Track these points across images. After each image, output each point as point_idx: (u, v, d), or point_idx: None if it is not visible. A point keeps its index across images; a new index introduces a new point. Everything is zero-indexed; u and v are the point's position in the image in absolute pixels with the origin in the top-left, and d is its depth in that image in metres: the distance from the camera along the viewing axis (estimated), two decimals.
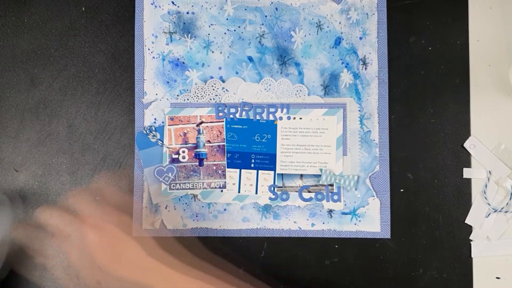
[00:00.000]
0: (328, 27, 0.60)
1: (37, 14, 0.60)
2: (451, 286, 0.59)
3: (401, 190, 0.59)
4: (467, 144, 0.60)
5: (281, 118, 0.60)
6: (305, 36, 0.60)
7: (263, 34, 0.60)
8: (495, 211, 0.59)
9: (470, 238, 0.59)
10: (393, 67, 0.60)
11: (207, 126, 0.60)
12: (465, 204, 0.59)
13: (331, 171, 0.59)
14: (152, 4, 0.60)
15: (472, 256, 0.59)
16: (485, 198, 0.59)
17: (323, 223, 0.59)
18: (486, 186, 0.59)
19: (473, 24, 0.61)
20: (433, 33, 0.61)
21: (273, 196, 0.59)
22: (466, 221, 0.59)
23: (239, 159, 0.59)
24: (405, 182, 0.60)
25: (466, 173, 0.60)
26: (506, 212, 0.59)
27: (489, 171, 0.59)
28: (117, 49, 0.60)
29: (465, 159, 0.60)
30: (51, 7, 0.60)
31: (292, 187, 0.60)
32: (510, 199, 0.59)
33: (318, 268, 0.59)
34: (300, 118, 0.60)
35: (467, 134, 0.60)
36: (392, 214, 0.59)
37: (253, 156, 0.60)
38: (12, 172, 0.59)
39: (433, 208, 0.59)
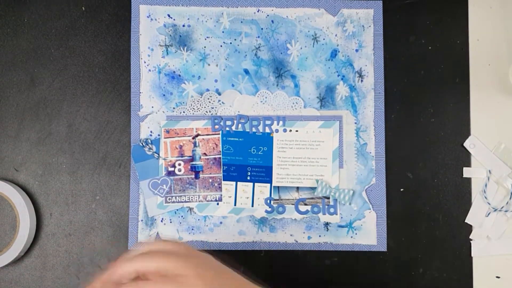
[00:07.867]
0: (324, 39, 0.60)
1: (37, 13, 0.60)
2: (451, 286, 0.59)
3: (401, 189, 0.59)
4: (467, 144, 0.60)
5: (277, 131, 0.59)
6: (301, 48, 0.60)
7: (259, 47, 0.60)
8: (495, 210, 0.59)
9: (470, 237, 0.59)
10: (393, 66, 0.60)
11: (203, 139, 0.59)
12: (465, 203, 0.59)
13: (327, 183, 0.59)
14: (148, 17, 0.60)
15: (472, 255, 0.59)
16: (485, 197, 0.59)
17: (320, 236, 0.59)
18: (486, 185, 0.59)
19: (473, 24, 0.61)
20: (433, 33, 0.61)
21: (269, 209, 0.59)
22: (466, 221, 0.59)
23: (235, 171, 0.59)
24: (405, 181, 0.60)
25: (466, 172, 0.59)
26: (506, 211, 0.59)
27: (489, 170, 0.59)
28: (117, 48, 0.60)
29: (465, 159, 0.60)
30: (51, 7, 0.60)
31: (288, 199, 0.59)
32: (510, 198, 0.59)
33: (319, 268, 0.59)
34: (296, 131, 0.59)
35: (467, 133, 0.60)
36: (392, 213, 0.59)
37: (249, 168, 0.59)
38: (12, 171, 0.59)
39: (433, 208, 0.59)
